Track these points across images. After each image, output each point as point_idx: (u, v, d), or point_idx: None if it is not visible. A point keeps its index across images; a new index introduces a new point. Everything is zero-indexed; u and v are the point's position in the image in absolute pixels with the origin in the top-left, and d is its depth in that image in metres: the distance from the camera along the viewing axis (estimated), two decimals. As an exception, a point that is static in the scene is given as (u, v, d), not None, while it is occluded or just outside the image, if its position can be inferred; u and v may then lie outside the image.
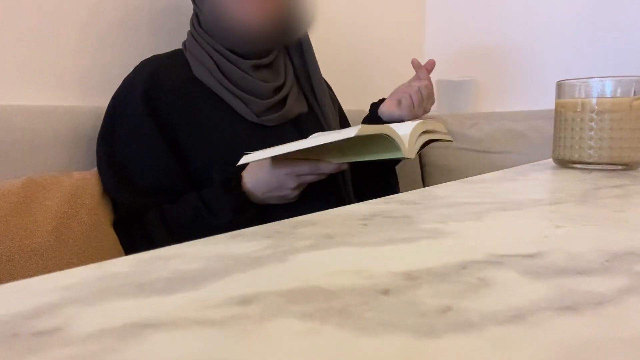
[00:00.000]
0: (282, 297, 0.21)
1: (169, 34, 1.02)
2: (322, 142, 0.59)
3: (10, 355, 0.16)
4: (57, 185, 0.73)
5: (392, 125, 0.71)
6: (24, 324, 0.19)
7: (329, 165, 0.70)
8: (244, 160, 0.66)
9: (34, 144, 0.78)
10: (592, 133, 0.63)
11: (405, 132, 0.68)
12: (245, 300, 0.21)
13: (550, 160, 0.73)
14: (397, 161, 1.01)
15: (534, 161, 0.83)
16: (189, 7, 0.89)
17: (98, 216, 0.76)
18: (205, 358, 0.16)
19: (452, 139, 0.83)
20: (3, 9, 0.82)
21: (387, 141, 0.63)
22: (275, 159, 0.71)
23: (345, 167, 0.71)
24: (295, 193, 0.73)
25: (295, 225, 0.34)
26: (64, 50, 0.90)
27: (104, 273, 0.24)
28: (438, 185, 0.53)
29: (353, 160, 0.69)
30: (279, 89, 0.86)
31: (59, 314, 0.19)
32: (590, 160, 0.64)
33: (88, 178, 0.78)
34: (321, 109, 0.90)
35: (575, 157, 0.65)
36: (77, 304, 0.20)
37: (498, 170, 0.69)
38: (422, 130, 0.71)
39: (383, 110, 0.97)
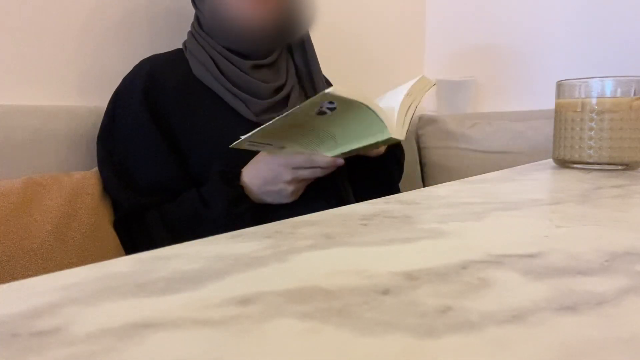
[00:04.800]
0: (282, 297, 0.21)
1: (168, 34, 1.03)
2: (299, 108, 0.56)
3: (10, 355, 0.16)
4: (57, 185, 0.73)
5: (384, 97, 0.67)
6: (24, 324, 0.19)
7: (323, 158, 0.69)
8: (235, 144, 0.65)
9: (34, 144, 0.78)
10: (592, 133, 0.63)
11: (389, 105, 0.63)
12: (245, 300, 0.21)
13: (550, 160, 0.73)
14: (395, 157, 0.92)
15: (534, 161, 0.83)
16: (189, 8, 0.89)
17: (98, 216, 0.76)
18: (205, 358, 0.16)
19: (434, 82, 0.76)
20: (3, 9, 0.82)
21: (370, 118, 0.59)
22: (272, 153, 0.71)
23: (341, 162, 0.69)
24: (291, 188, 0.72)
25: (295, 225, 0.34)
26: (64, 50, 0.90)
27: (104, 273, 0.24)
28: (438, 185, 0.53)
29: (346, 150, 0.68)
30: (279, 89, 0.86)
31: (59, 314, 0.19)
32: (591, 160, 0.64)
33: (88, 178, 0.78)
34: None
35: (576, 157, 0.65)
36: (77, 304, 0.20)
37: (498, 170, 0.69)
38: (409, 105, 0.66)
39: None
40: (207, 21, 0.84)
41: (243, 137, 0.64)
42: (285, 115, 0.58)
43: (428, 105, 1.88)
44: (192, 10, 0.88)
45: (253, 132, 0.63)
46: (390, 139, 0.62)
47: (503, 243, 0.29)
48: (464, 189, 0.50)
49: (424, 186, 1.50)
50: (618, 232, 0.31)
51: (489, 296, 0.21)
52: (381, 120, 0.59)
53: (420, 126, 1.57)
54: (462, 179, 0.57)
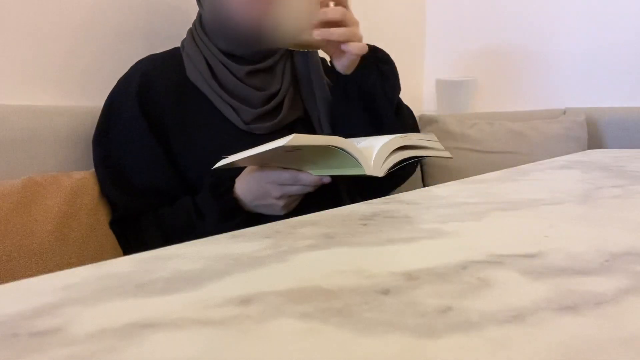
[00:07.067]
0: (282, 297, 0.21)
1: (168, 33, 1.02)
2: (260, 151, 0.57)
3: (10, 355, 0.16)
4: (57, 185, 0.73)
5: (369, 138, 0.68)
6: (24, 324, 0.19)
7: (308, 177, 0.67)
8: (219, 164, 0.66)
9: (34, 144, 0.78)
10: None
11: (372, 145, 0.64)
12: (245, 300, 0.20)
13: (551, 160, 0.73)
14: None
15: (534, 161, 0.83)
16: (189, 8, 0.89)
17: (98, 216, 0.76)
18: (205, 358, 0.16)
19: (450, 155, 0.74)
20: (3, 9, 0.82)
21: (342, 155, 0.59)
22: (262, 168, 0.71)
23: (328, 180, 0.68)
24: (281, 204, 0.71)
25: (295, 225, 0.34)
26: (64, 50, 0.90)
27: (104, 273, 0.24)
28: (438, 185, 0.53)
29: (326, 174, 0.67)
30: (272, 96, 0.84)
31: (59, 314, 0.19)
32: None
33: (88, 178, 0.78)
34: (319, 114, 0.88)
35: None
36: (77, 304, 0.20)
37: (498, 170, 0.69)
38: (398, 145, 0.66)
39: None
40: (207, 19, 0.83)
41: (219, 164, 0.65)
42: (255, 155, 0.59)
43: (428, 106, 1.88)
44: (193, 10, 0.88)
45: (228, 161, 0.63)
46: (365, 175, 0.62)
47: (503, 243, 0.29)
48: (464, 189, 0.50)
49: (424, 186, 1.50)
50: (618, 232, 0.31)
51: (489, 296, 0.21)
52: (353, 157, 0.60)
53: (421, 126, 1.57)
54: (462, 179, 0.57)
